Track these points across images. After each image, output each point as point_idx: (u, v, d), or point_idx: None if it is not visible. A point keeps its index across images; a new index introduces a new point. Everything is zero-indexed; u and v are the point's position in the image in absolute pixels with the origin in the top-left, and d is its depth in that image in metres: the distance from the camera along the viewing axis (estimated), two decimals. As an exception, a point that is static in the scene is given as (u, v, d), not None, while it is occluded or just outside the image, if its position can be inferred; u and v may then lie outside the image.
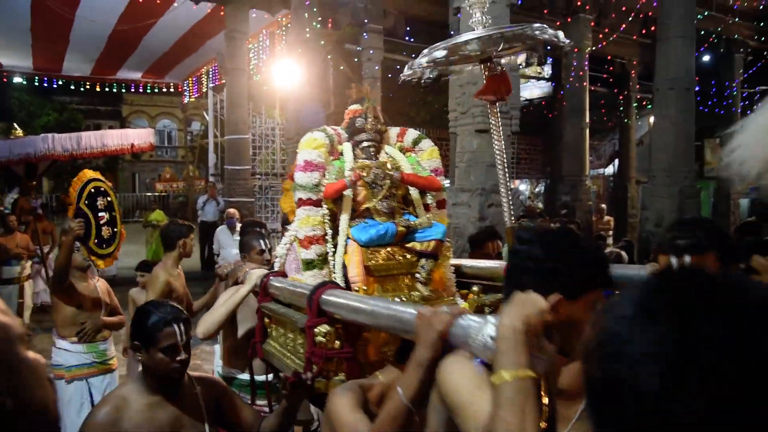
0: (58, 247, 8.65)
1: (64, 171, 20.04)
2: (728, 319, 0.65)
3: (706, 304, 0.67)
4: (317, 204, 2.80)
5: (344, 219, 2.81)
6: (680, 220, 1.88)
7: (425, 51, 2.94)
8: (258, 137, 14.22)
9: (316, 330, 2.28)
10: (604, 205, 14.80)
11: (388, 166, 2.88)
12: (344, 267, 2.76)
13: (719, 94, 16.53)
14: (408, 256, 2.82)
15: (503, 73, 3.15)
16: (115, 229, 4.51)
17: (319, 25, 11.61)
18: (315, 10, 11.28)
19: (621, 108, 17.26)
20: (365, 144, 2.97)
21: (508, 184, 3.13)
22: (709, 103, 16.60)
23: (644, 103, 17.61)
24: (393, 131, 3.19)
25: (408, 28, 13.75)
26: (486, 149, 7.38)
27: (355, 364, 2.34)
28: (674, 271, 0.75)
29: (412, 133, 3.20)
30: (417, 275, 2.81)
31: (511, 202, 3.07)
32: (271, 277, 2.88)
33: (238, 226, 7.81)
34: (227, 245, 8.76)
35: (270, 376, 3.09)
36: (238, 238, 7.06)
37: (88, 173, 4.60)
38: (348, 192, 2.80)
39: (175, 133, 32.65)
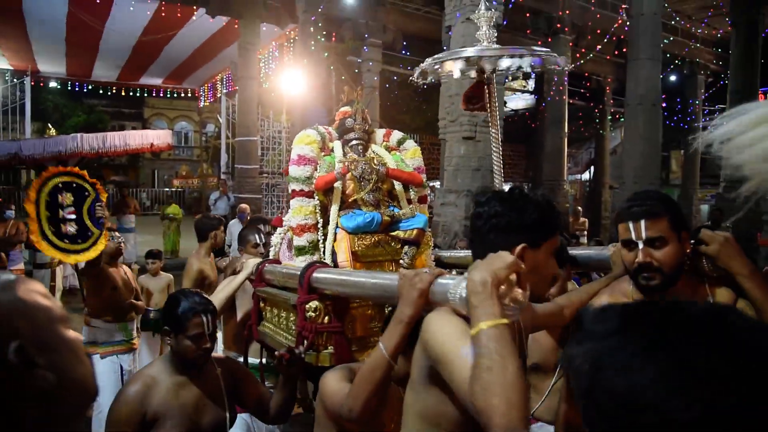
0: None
1: (90, 167, 20.05)
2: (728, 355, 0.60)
3: (699, 338, 0.63)
4: (309, 195, 2.81)
5: (334, 209, 2.82)
6: (636, 191, 1.89)
7: (429, 60, 2.97)
8: (266, 139, 14.28)
9: (307, 306, 2.30)
10: (579, 208, 14.85)
11: (375, 161, 2.88)
12: (333, 253, 2.78)
13: (684, 111, 16.70)
14: (392, 244, 2.85)
15: (482, 84, 3.12)
16: (88, 230, 3.86)
17: (323, 39, 11.68)
18: (320, 25, 11.36)
19: (597, 120, 17.38)
20: (354, 142, 2.97)
21: (502, 186, 3.15)
22: (675, 118, 16.73)
23: (617, 116, 17.73)
24: (380, 132, 3.22)
25: (405, 43, 13.81)
26: (472, 154, 7.46)
27: (343, 338, 2.36)
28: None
29: (397, 134, 3.22)
30: (401, 261, 2.83)
31: None
32: (266, 264, 2.92)
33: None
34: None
35: (264, 360, 3.05)
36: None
37: (52, 170, 3.99)
38: (338, 184, 2.81)
39: (192, 134, 32.62)
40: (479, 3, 3.01)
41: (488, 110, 3.21)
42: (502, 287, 1.21)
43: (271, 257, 3.09)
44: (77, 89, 19.42)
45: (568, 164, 19.89)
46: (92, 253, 3.80)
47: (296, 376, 2.34)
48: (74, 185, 3.89)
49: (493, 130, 3.19)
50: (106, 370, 4.09)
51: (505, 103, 20.39)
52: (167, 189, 25.46)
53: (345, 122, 3.01)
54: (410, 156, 3.09)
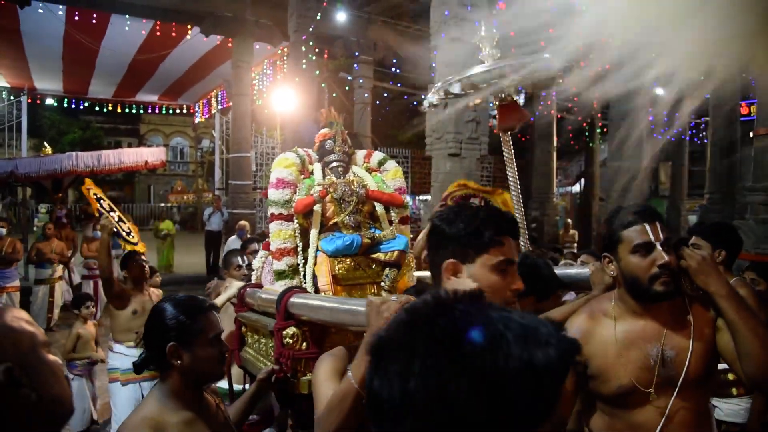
0: (79, 252, 8.84)
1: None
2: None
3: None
4: (289, 219, 2.75)
5: (314, 232, 2.78)
6: (620, 205, 2.00)
7: (438, 85, 3.10)
8: (259, 155, 14.44)
9: (284, 332, 2.25)
10: (569, 220, 15.02)
11: (355, 183, 2.82)
12: (314, 277, 2.73)
13: (670, 124, 16.90)
14: (373, 266, 2.80)
15: (514, 102, 3.29)
16: (127, 224, 4.77)
17: (314, 57, 11.88)
18: (311, 43, 11.56)
19: (587, 133, 17.59)
20: (334, 164, 2.91)
21: (521, 205, 3.25)
22: (662, 131, 16.97)
23: (605, 129, 17.96)
24: (360, 153, 3.16)
25: (395, 60, 14.04)
26: (458, 171, 7.62)
27: None
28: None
29: (377, 155, 3.16)
30: (382, 284, 2.78)
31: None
32: (247, 289, 2.86)
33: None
34: (236, 254, 8.81)
35: (248, 385, 2.91)
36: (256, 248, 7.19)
37: (87, 182, 4.99)
38: (317, 207, 2.77)
39: (187, 149, 32.78)
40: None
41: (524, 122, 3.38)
42: None
43: (252, 281, 3.03)
44: (74, 106, 19.57)
45: (559, 177, 20.11)
46: (142, 246, 4.63)
47: (265, 392, 2.29)
48: (98, 195, 4.69)
49: (506, 150, 3.34)
50: (126, 398, 3.94)
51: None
52: (163, 204, 25.58)
53: (325, 144, 2.96)
54: (391, 177, 3.04)
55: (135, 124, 31.04)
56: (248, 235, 8.11)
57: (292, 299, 2.25)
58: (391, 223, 2.96)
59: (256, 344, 2.73)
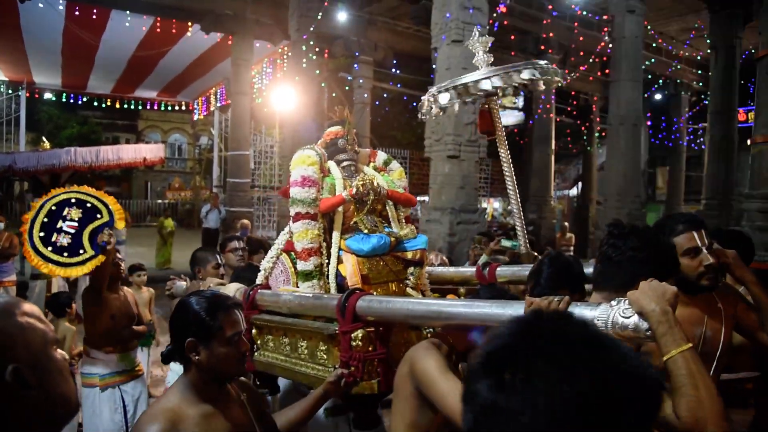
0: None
1: (84, 179, 20.20)
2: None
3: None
4: (314, 218, 2.71)
5: (337, 232, 2.76)
6: (671, 213, 2.32)
7: (433, 90, 3.12)
8: (258, 153, 14.45)
9: (352, 335, 2.20)
10: (566, 223, 15.05)
11: (375, 183, 2.80)
12: (337, 276, 2.70)
13: (668, 129, 17.03)
14: (397, 264, 2.80)
15: (488, 112, 3.36)
16: (82, 247, 3.55)
17: (315, 57, 11.89)
18: (312, 43, 11.57)
19: (584, 137, 17.66)
20: (345, 163, 2.90)
21: (520, 207, 3.34)
22: (660, 136, 17.09)
23: (603, 133, 18.04)
24: (364, 152, 3.12)
25: (395, 61, 14.07)
26: (456, 173, 7.65)
27: (388, 365, 2.26)
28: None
29: (381, 155, 3.14)
30: (407, 281, 2.79)
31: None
32: (259, 291, 2.76)
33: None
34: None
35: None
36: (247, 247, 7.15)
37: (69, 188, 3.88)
38: (341, 207, 2.74)
39: (185, 146, 32.78)
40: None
41: (494, 133, 3.38)
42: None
43: (259, 281, 2.92)
44: (72, 101, 19.55)
45: (557, 180, 20.15)
46: (74, 271, 3.50)
47: (330, 397, 2.18)
48: (89, 204, 3.69)
49: (502, 151, 3.39)
50: (104, 401, 3.79)
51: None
52: (160, 201, 25.56)
53: (337, 142, 2.94)
54: (398, 177, 3.06)
55: (133, 120, 31.00)
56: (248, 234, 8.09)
57: (361, 302, 2.19)
58: (400, 221, 2.97)
59: (285, 347, 2.60)
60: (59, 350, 1.03)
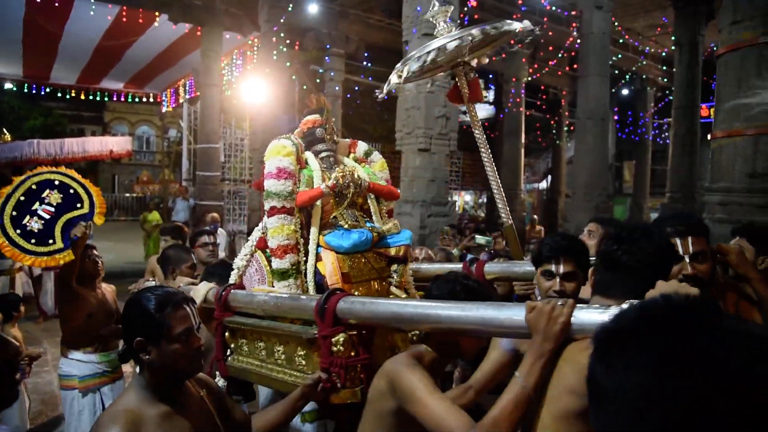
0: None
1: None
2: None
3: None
4: (290, 212, 2.54)
5: (315, 228, 2.59)
6: (674, 213, 2.37)
7: (398, 66, 2.93)
8: (228, 146, 14.28)
9: (333, 340, 2.03)
10: (536, 216, 15.27)
11: (356, 175, 2.63)
12: (316, 275, 2.54)
13: (635, 123, 17.41)
14: (379, 261, 2.65)
15: (475, 79, 3.18)
16: (51, 237, 3.30)
17: (285, 49, 11.79)
18: (282, 35, 11.46)
19: (554, 131, 17.91)
20: (324, 154, 2.74)
21: (500, 187, 3.18)
22: (627, 130, 17.45)
23: (572, 127, 18.34)
24: (344, 143, 2.96)
25: (367, 54, 14.04)
26: (427, 166, 7.69)
27: (372, 371, 2.03)
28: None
29: (362, 145, 2.99)
30: (390, 279, 2.65)
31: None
32: (231, 291, 2.56)
33: (220, 230, 7.70)
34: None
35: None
36: (220, 241, 7.01)
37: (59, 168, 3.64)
38: (319, 201, 2.59)
39: (153, 138, 32.16)
40: (436, 21, 3.16)
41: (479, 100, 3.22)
42: None
43: (233, 280, 2.74)
44: (34, 91, 18.95)
45: (527, 173, 20.41)
46: (38, 261, 3.24)
47: (306, 403, 2.09)
48: (71, 191, 3.43)
49: (477, 131, 3.21)
50: (86, 406, 3.59)
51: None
52: (128, 194, 25.09)
53: (315, 132, 2.77)
54: (379, 168, 2.91)
55: (99, 112, 30.28)
56: (220, 228, 7.96)
57: (342, 304, 2.02)
58: (382, 216, 2.82)
59: (260, 352, 2.43)
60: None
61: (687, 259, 1.98)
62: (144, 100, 21.26)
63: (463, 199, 23.49)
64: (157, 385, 1.66)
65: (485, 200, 20.86)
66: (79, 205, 3.39)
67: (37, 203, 3.28)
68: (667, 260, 1.67)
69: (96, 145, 8.91)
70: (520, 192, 14.76)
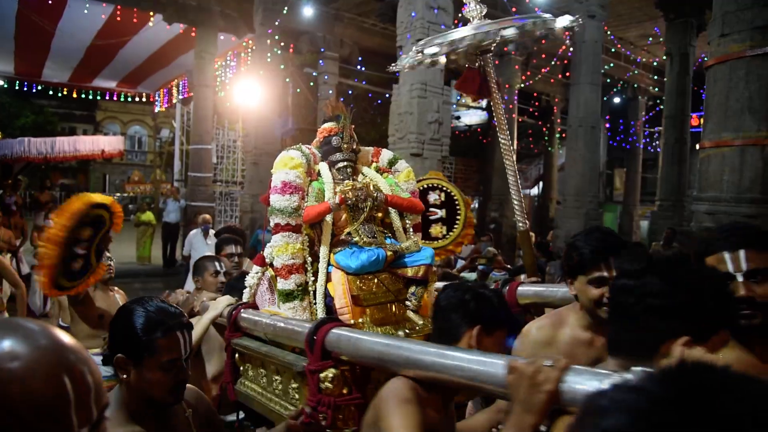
0: (29, 241, 8.56)
1: (38, 171, 19.61)
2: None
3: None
4: (296, 230, 2.34)
5: (325, 246, 2.39)
6: (724, 224, 1.77)
7: (421, 43, 2.79)
8: (221, 148, 14.27)
9: (321, 375, 1.81)
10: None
11: (371, 187, 2.42)
12: (326, 296, 2.33)
13: (626, 131, 17.57)
14: (396, 282, 2.39)
15: (476, 71, 2.99)
16: (90, 263, 3.27)
17: (280, 51, 11.80)
18: (277, 37, 11.48)
19: (546, 137, 18.02)
20: (341, 164, 2.51)
21: (520, 189, 3.04)
22: (618, 138, 17.60)
23: (563, 134, 18.47)
24: (366, 151, 2.73)
25: (361, 58, 14.08)
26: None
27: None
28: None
29: (387, 154, 2.75)
30: (407, 303, 2.38)
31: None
32: (242, 310, 2.39)
33: (212, 231, 7.62)
34: (199, 248, 8.20)
35: (241, 416, 2.49)
36: (211, 242, 6.91)
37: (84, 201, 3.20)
38: (329, 216, 2.38)
39: (146, 138, 32.00)
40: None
41: (489, 94, 2.98)
42: None
43: (245, 299, 2.56)
44: (26, 89, 18.85)
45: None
46: (82, 286, 3.22)
47: None
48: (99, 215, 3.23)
49: (498, 111, 3.00)
50: None
51: (459, 117, 20.90)
52: (119, 194, 24.96)
53: (331, 140, 2.52)
54: (404, 179, 2.66)
55: (91, 111, 30.09)
56: (211, 229, 7.85)
57: (331, 335, 1.79)
58: (406, 231, 2.60)
59: (262, 379, 2.26)
60: None
61: (740, 278, 1.50)
62: (137, 99, 21.21)
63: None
64: (131, 404, 1.52)
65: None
66: (102, 225, 3.23)
67: (74, 246, 3.10)
68: (708, 302, 1.14)
69: (87, 144, 8.87)
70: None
